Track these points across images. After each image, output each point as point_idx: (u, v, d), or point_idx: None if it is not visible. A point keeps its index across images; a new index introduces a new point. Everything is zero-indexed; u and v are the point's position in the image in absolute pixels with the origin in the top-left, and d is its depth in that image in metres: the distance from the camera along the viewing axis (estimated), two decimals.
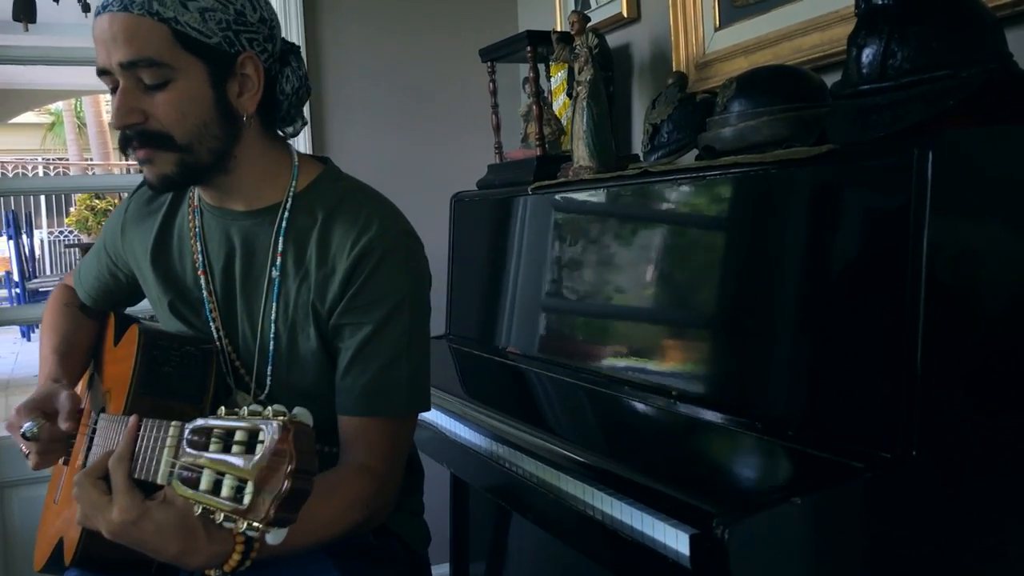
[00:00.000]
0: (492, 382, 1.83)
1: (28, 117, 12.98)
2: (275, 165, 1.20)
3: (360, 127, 2.53)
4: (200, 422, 0.80)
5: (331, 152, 2.50)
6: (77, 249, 10.68)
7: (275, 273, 1.19)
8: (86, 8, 2.54)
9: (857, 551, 1.01)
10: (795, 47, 1.62)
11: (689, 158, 1.58)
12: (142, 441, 0.95)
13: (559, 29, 2.32)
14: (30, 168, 14.42)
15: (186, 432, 0.81)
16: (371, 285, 1.15)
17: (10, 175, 13.99)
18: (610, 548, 1.14)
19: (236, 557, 0.94)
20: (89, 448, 1.18)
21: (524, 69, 2.30)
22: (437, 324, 2.09)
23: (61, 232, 13.59)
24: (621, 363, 1.49)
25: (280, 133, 1.23)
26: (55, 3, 4.81)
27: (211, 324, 1.23)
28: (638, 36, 2.13)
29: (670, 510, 1.04)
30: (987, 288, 1.06)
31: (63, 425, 1.17)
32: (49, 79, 9.18)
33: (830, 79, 1.29)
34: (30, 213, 11.97)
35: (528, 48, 2.05)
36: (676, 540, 1.01)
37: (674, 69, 1.91)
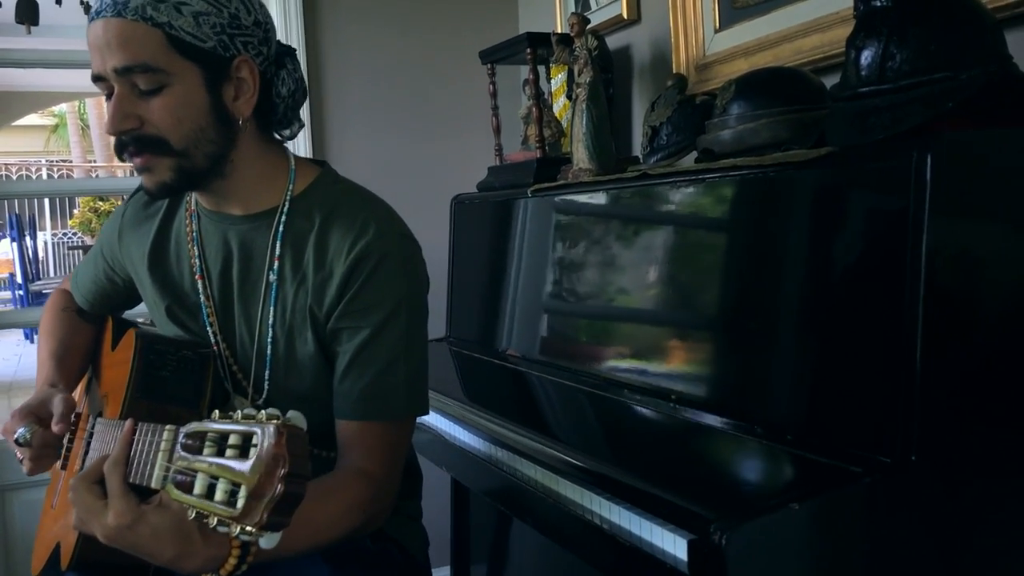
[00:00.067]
0: (492, 385, 1.83)
1: (32, 119, 12.99)
2: (272, 169, 1.20)
3: (360, 129, 2.53)
4: (194, 426, 0.80)
5: (331, 154, 2.49)
6: (80, 251, 10.68)
7: (272, 277, 1.19)
8: (88, 10, 2.55)
9: (856, 556, 1.00)
10: (795, 49, 1.62)
11: (689, 160, 1.58)
12: (137, 445, 0.94)
13: (559, 31, 2.32)
14: (34, 170, 14.45)
15: (180, 436, 0.81)
16: (368, 289, 1.14)
17: (14, 177, 14.02)
18: (609, 553, 1.13)
19: (232, 561, 0.94)
20: (87, 452, 1.18)
21: (524, 71, 2.30)
22: (437, 326, 2.10)
23: (65, 234, 13.60)
24: (620, 366, 1.48)
25: (277, 136, 1.23)
26: (57, 5, 4.81)
27: (208, 328, 1.23)
28: (638, 38, 2.13)
29: (668, 515, 1.04)
30: (987, 291, 1.05)
31: (55, 428, 1.17)
32: (52, 81, 9.20)
33: (830, 81, 1.29)
34: (34, 215, 11.98)
35: (528, 50, 2.04)
36: (674, 545, 1.01)
37: (674, 71, 1.91)
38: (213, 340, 1.23)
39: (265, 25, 1.14)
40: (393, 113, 2.57)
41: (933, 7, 1.10)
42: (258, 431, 0.73)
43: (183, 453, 0.79)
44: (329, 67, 2.50)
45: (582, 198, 1.70)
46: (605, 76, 1.95)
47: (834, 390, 1.11)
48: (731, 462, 1.18)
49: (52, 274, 11.99)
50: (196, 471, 0.77)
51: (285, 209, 1.19)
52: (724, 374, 1.29)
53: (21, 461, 1.21)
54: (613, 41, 2.16)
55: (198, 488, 0.76)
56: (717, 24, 1.83)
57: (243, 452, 0.74)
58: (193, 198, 1.25)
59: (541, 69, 2.19)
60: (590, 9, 2.25)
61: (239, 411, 0.77)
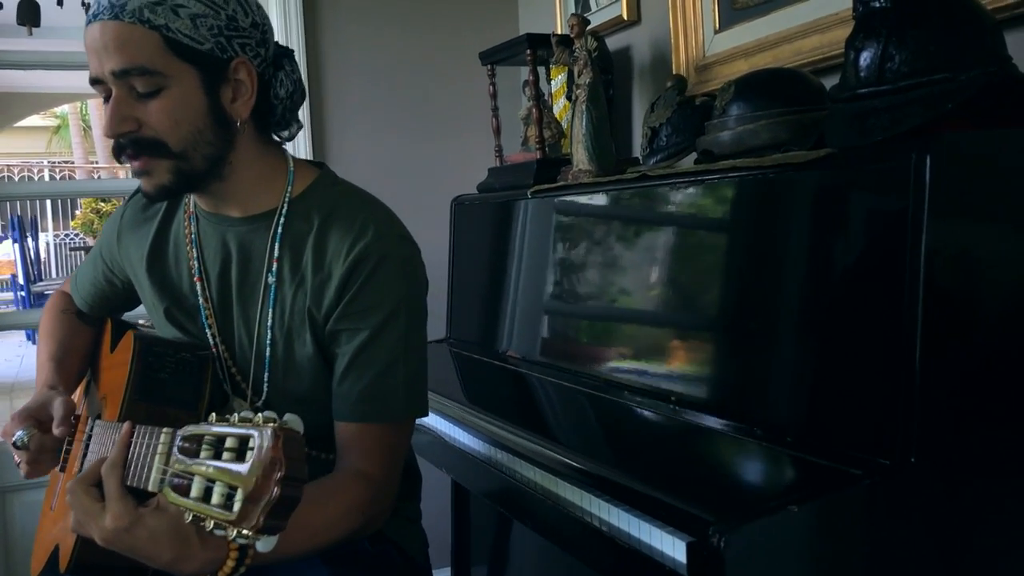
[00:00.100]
0: (491, 386, 1.83)
1: (34, 120, 13.01)
2: (270, 170, 1.20)
3: (360, 130, 2.53)
4: (191, 429, 0.80)
5: (331, 155, 2.50)
6: (82, 252, 10.70)
7: (271, 279, 1.19)
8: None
9: (855, 559, 1.00)
10: (795, 49, 1.61)
11: (688, 162, 1.58)
12: (135, 448, 0.94)
13: (559, 32, 2.32)
14: (36, 171, 14.47)
15: (177, 439, 0.81)
16: (367, 291, 1.14)
17: (16, 178, 14.03)
18: (608, 555, 1.13)
19: (230, 564, 0.94)
20: (85, 454, 1.18)
21: (524, 72, 2.30)
22: (438, 327, 2.10)
23: (67, 235, 13.62)
24: (620, 367, 1.48)
25: (276, 138, 1.23)
26: (59, 6, 4.82)
27: (207, 330, 1.23)
28: (638, 39, 2.13)
29: (667, 517, 1.04)
30: (986, 292, 1.05)
31: (56, 431, 1.17)
32: (54, 82, 9.21)
33: (830, 82, 1.29)
34: (35, 216, 11.99)
35: (528, 51, 2.04)
36: (673, 548, 1.00)
37: (674, 72, 1.91)
38: (212, 342, 1.23)
39: (263, 27, 1.14)
40: (393, 114, 2.57)
41: (932, 8, 1.09)
42: (255, 434, 0.73)
43: (180, 456, 0.79)
44: (329, 68, 2.50)
45: (582, 199, 1.70)
46: (605, 77, 1.94)
47: (833, 391, 1.11)
48: (730, 464, 1.18)
49: (54, 275, 12.01)
50: (193, 474, 0.77)
51: (283, 211, 1.19)
52: (723, 375, 1.29)
53: (18, 464, 1.21)
54: (613, 42, 2.16)
55: (195, 491, 0.76)
56: (717, 25, 1.83)
57: (240, 455, 0.74)
58: (192, 200, 1.25)
59: (541, 70, 2.19)
60: (590, 10, 2.25)
61: (236, 414, 0.77)
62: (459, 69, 2.57)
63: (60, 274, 12.45)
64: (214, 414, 0.80)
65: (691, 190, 1.38)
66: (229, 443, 0.75)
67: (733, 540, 0.92)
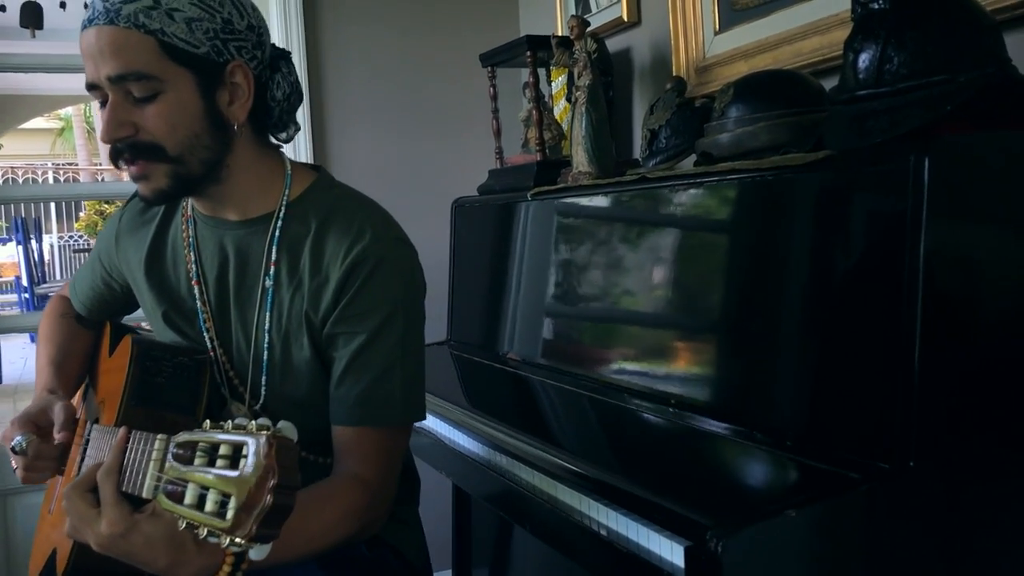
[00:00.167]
0: (491, 389, 1.83)
1: (38, 122, 13.03)
2: (268, 174, 1.20)
3: (360, 131, 2.53)
4: (185, 436, 0.79)
5: (331, 156, 2.49)
6: (86, 254, 10.71)
7: (268, 282, 1.19)
8: None
9: (854, 563, 1.00)
10: (795, 51, 1.61)
11: (688, 163, 1.57)
12: (130, 454, 0.94)
13: (560, 33, 2.31)
14: (40, 173, 14.50)
15: (171, 446, 0.81)
16: (364, 294, 1.14)
17: (20, 180, 14.06)
18: (607, 559, 1.13)
19: (226, 570, 0.93)
20: (83, 459, 1.18)
21: (525, 74, 2.29)
22: (438, 330, 2.10)
23: (70, 237, 13.65)
24: (619, 370, 1.48)
25: (273, 140, 1.23)
26: (61, 9, 4.82)
27: (205, 334, 1.23)
28: (639, 40, 2.12)
29: (665, 522, 1.03)
30: (986, 295, 1.05)
31: (56, 436, 1.17)
32: (58, 84, 9.22)
33: (830, 83, 1.28)
34: (39, 218, 12.01)
35: (528, 53, 2.04)
36: (671, 552, 1.00)
37: (674, 73, 1.90)
38: (210, 345, 1.23)
39: (259, 29, 1.14)
40: (393, 115, 2.57)
41: (931, 9, 1.09)
42: (248, 442, 0.73)
43: (174, 463, 0.79)
44: (329, 69, 2.50)
45: (581, 201, 1.69)
46: (605, 79, 1.94)
47: (833, 395, 1.10)
48: (729, 467, 1.18)
49: (58, 277, 12.02)
50: (187, 481, 0.77)
51: (281, 214, 1.19)
52: (722, 379, 1.28)
53: (15, 470, 1.21)
54: (614, 43, 2.15)
55: (188, 498, 0.76)
56: (717, 26, 1.82)
57: (233, 463, 0.73)
58: (190, 203, 1.25)
59: (542, 72, 2.19)
60: (590, 11, 2.25)
61: (229, 421, 0.76)
62: (459, 70, 2.57)
63: (64, 276, 12.47)
64: (208, 421, 0.79)
65: (690, 192, 1.37)
66: (223, 450, 0.74)
67: (731, 545, 0.92)
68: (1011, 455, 1.05)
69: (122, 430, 0.97)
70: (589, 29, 1.82)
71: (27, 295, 7.81)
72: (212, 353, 1.22)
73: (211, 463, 0.75)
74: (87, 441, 1.18)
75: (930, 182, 0.98)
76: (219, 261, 1.22)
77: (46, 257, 11.10)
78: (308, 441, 1.20)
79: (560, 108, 2.18)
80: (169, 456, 0.80)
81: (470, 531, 2.18)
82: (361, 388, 1.14)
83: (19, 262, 8.20)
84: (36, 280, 8.08)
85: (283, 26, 2.39)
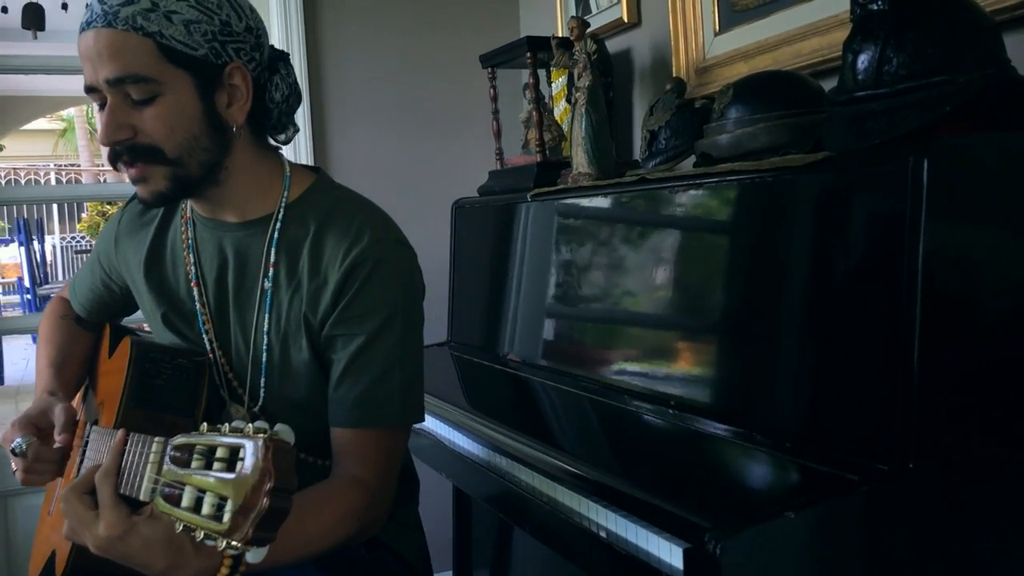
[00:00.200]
0: (492, 391, 1.82)
1: (40, 123, 13.05)
2: (267, 175, 1.20)
3: (360, 132, 2.53)
4: (182, 439, 0.79)
5: (331, 157, 2.49)
6: (88, 255, 10.71)
7: (267, 284, 1.19)
8: None
9: (854, 565, 0.99)
10: (795, 52, 1.61)
11: (688, 165, 1.57)
12: (128, 456, 0.94)
13: (560, 34, 2.31)
14: (42, 174, 14.52)
15: (169, 448, 0.81)
16: (363, 296, 1.14)
17: (22, 182, 14.08)
18: (606, 561, 1.13)
19: (224, 572, 0.93)
20: (82, 461, 1.18)
21: (525, 75, 2.29)
22: (439, 331, 2.10)
23: (73, 238, 13.66)
24: (619, 371, 1.48)
25: (272, 142, 1.23)
26: (63, 10, 4.81)
27: (204, 336, 1.23)
28: (639, 41, 2.12)
29: (664, 524, 1.03)
30: (985, 296, 1.04)
31: (57, 438, 1.17)
32: (60, 85, 9.24)
33: (830, 84, 1.28)
34: (42, 219, 12.03)
35: (528, 54, 2.04)
36: (670, 554, 1.00)
37: (674, 74, 1.90)
38: (209, 347, 1.23)
39: (257, 31, 1.13)
40: (394, 116, 2.57)
41: (930, 10, 1.09)
42: (245, 445, 0.73)
43: (171, 466, 0.79)
44: (329, 70, 2.50)
45: (581, 202, 1.69)
46: (605, 80, 1.94)
47: (832, 396, 1.10)
48: (728, 469, 1.17)
49: (60, 278, 12.03)
50: (184, 484, 0.77)
51: (280, 216, 1.19)
52: (722, 380, 1.28)
53: (15, 472, 1.21)
54: (614, 44, 2.15)
55: (185, 501, 0.76)
56: (717, 27, 1.82)
57: (230, 466, 0.73)
58: (189, 205, 1.25)
59: (542, 73, 2.19)
60: (591, 12, 2.25)
61: (227, 424, 0.76)
62: (460, 71, 2.57)
63: (66, 277, 12.49)
64: (205, 424, 0.79)
65: (689, 193, 1.37)
66: (220, 453, 0.74)
67: (729, 547, 0.91)
68: (1011, 456, 1.05)
69: (120, 432, 0.97)
70: (589, 30, 1.82)
71: (29, 296, 7.82)
72: (211, 355, 1.22)
73: (208, 466, 0.75)
74: (86, 443, 1.18)
75: (929, 183, 0.98)
76: (218, 263, 1.22)
77: (48, 258, 11.12)
78: (307, 443, 1.20)
79: (560, 109, 2.18)
80: (166, 459, 0.80)
81: (471, 533, 2.18)
82: (360, 390, 1.14)
83: (21, 263, 8.20)
84: (38, 281, 8.09)
85: (283, 27, 2.39)
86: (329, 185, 1.24)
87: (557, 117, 2.18)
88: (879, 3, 1.10)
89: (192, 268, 1.23)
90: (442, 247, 2.24)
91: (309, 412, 1.18)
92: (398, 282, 1.16)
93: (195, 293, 1.23)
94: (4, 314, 8.61)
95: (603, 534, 1.11)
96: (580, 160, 1.73)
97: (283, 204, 1.19)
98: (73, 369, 1.37)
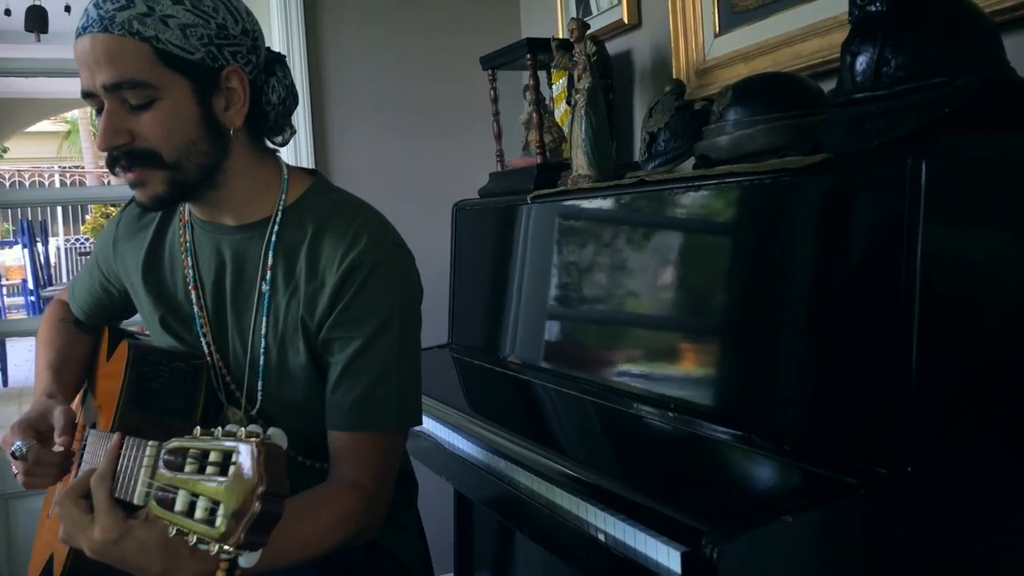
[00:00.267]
0: (492, 393, 1.82)
1: (44, 126, 13.08)
2: (264, 178, 1.20)
3: (361, 134, 2.53)
4: (176, 443, 0.79)
5: (331, 159, 2.49)
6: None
7: (265, 287, 1.19)
8: None
9: (852, 568, 0.99)
10: (795, 53, 1.60)
11: (688, 166, 1.57)
12: (123, 460, 0.94)
13: (561, 36, 2.31)
14: (46, 176, 14.54)
15: (163, 452, 0.81)
16: (360, 299, 1.14)
17: (27, 184, 14.11)
18: (604, 565, 1.12)
19: (220, 575, 0.93)
20: (79, 464, 1.18)
21: (526, 76, 2.29)
22: (439, 333, 2.09)
23: (77, 239, 13.69)
24: (619, 373, 1.47)
25: (270, 144, 1.23)
26: (66, 13, 4.83)
27: (202, 339, 1.23)
28: (639, 42, 2.12)
29: (662, 527, 1.03)
30: (983, 299, 1.04)
31: (57, 440, 1.17)
32: (64, 88, 9.26)
33: (830, 85, 1.28)
34: (46, 220, 12.05)
35: (528, 55, 2.04)
36: (668, 558, 1.00)
37: (674, 76, 1.90)
38: (207, 350, 1.23)
39: (253, 33, 1.13)
40: (394, 118, 2.56)
41: (929, 12, 1.08)
42: (237, 449, 0.73)
43: (165, 470, 0.79)
44: (330, 72, 2.50)
45: (581, 204, 1.69)
46: (605, 81, 1.94)
47: (830, 399, 1.10)
48: (727, 472, 1.17)
49: (64, 280, 12.05)
50: (177, 488, 0.77)
51: (278, 219, 1.19)
52: (720, 382, 1.28)
53: (16, 475, 1.21)
54: (614, 46, 2.15)
55: (179, 505, 0.76)
56: (717, 29, 1.82)
57: (223, 470, 0.73)
58: (187, 208, 1.25)
59: (543, 74, 2.19)
60: (591, 14, 2.24)
61: (219, 428, 0.76)
62: (460, 73, 2.57)
63: (70, 279, 12.48)
64: (199, 428, 0.79)
65: (688, 195, 1.37)
66: (213, 457, 0.74)
67: (726, 551, 0.91)
68: (1009, 458, 1.04)
69: (116, 436, 0.97)
70: (589, 31, 1.82)
71: (33, 298, 7.83)
72: (209, 358, 1.22)
73: (201, 470, 0.75)
74: (84, 446, 1.18)
75: (927, 185, 0.98)
76: (216, 266, 1.22)
77: (52, 260, 11.12)
78: (305, 446, 1.20)
79: (561, 111, 2.17)
80: (160, 463, 0.80)
81: (472, 535, 2.17)
82: (357, 393, 1.14)
83: (25, 265, 8.21)
84: (42, 283, 8.10)
85: (284, 28, 2.39)
86: (326, 188, 1.24)
87: (558, 119, 2.17)
88: (877, 4, 1.10)
89: (190, 271, 1.23)
90: (443, 249, 2.24)
91: (306, 415, 1.18)
92: (395, 285, 1.16)
93: (193, 296, 1.23)
94: (8, 316, 8.62)
95: (601, 537, 1.11)
96: (580, 162, 1.73)
97: (280, 207, 1.19)
98: (72, 372, 1.37)
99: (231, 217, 1.20)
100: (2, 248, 10.69)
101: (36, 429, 1.19)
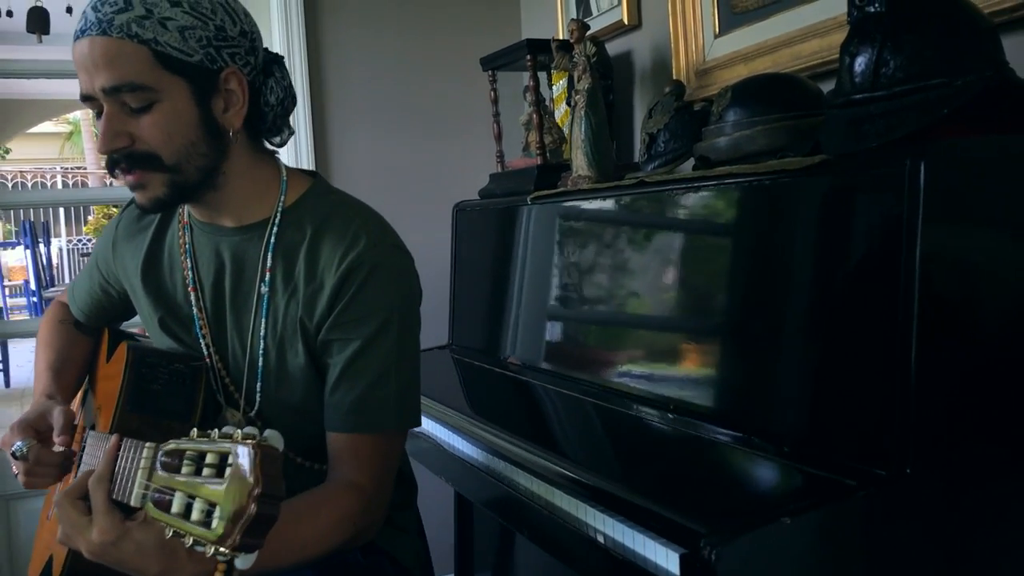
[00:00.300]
0: (492, 394, 1.82)
1: (46, 127, 13.11)
2: (264, 180, 1.20)
3: (361, 135, 2.53)
4: (172, 444, 0.79)
5: (332, 160, 2.49)
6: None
7: (264, 289, 1.19)
8: None
9: (852, 570, 0.99)
10: (794, 54, 1.60)
11: (687, 167, 1.57)
12: (121, 461, 0.94)
13: (561, 37, 2.31)
14: (49, 177, 14.56)
15: (159, 454, 0.81)
16: (359, 301, 1.14)
17: (29, 185, 14.13)
18: (604, 566, 1.12)
19: None
20: (79, 465, 1.18)
21: (526, 77, 2.29)
22: (440, 334, 2.09)
23: (79, 240, 13.70)
24: (619, 374, 1.47)
25: (268, 145, 1.23)
26: (68, 14, 4.83)
27: (201, 340, 1.23)
28: (639, 43, 2.12)
29: (661, 529, 1.03)
30: (982, 300, 1.04)
31: (56, 440, 1.17)
32: (65, 89, 9.26)
33: (830, 86, 1.27)
34: (48, 221, 12.07)
35: (528, 56, 2.04)
36: (667, 560, 0.99)
37: (674, 76, 1.90)
38: (206, 352, 1.23)
39: (251, 35, 1.13)
40: (394, 119, 2.56)
41: (928, 12, 1.08)
42: (233, 451, 0.73)
43: (162, 471, 0.79)
44: (330, 73, 2.50)
45: (581, 205, 1.69)
46: (605, 82, 1.94)
47: (830, 401, 1.10)
48: (726, 474, 1.17)
49: (66, 281, 12.06)
50: (174, 490, 0.77)
51: (277, 220, 1.19)
52: (719, 384, 1.27)
53: (16, 475, 1.21)
54: (614, 47, 2.15)
55: (175, 507, 0.76)
56: (717, 29, 1.82)
57: (219, 472, 0.73)
58: (186, 210, 1.25)
59: (543, 75, 2.19)
60: (591, 15, 2.24)
61: (216, 430, 0.76)
62: (460, 74, 2.57)
63: (72, 280, 12.51)
64: (195, 429, 0.79)
65: (688, 196, 1.37)
66: (209, 459, 0.74)
67: (725, 553, 0.91)
68: (1009, 459, 1.04)
69: (114, 437, 0.97)
70: (589, 32, 1.82)
71: (35, 299, 7.83)
72: (208, 359, 1.22)
73: (197, 472, 0.75)
74: (83, 447, 1.18)
75: (926, 186, 0.97)
76: (215, 268, 1.22)
77: (54, 261, 11.14)
78: (303, 447, 1.20)
79: (561, 112, 2.17)
80: (157, 464, 0.80)
81: (472, 537, 2.17)
82: (356, 395, 1.14)
83: (27, 266, 8.22)
84: (44, 284, 8.11)
85: (284, 29, 2.39)
86: (326, 189, 1.24)
87: (558, 120, 2.17)
88: (876, 5, 1.10)
89: (189, 273, 1.23)
90: (443, 250, 2.24)
91: (305, 416, 1.18)
92: (394, 287, 1.16)
93: (192, 298, 1.23)
94: (10, 317, 8.63)
95: (601, 539, 1.11)
96: (580, 163, 1.73)
97: (280, 208, 1.19)
98: (71, 373, 1.37)
99: (230, 219, 1.20)
100: (4, 249, 10.70)
101: (36, 429, 1.19)
